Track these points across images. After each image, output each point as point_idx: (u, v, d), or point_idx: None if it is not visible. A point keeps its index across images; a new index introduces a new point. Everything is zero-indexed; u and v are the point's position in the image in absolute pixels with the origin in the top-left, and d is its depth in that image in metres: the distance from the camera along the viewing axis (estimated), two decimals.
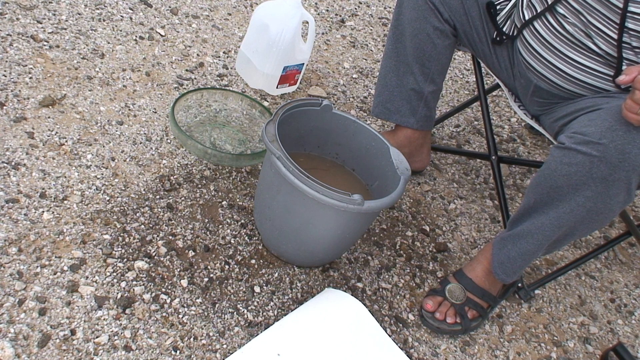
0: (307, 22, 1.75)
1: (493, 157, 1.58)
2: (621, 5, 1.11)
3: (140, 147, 1.48)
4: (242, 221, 1.39)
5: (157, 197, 1.37)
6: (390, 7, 2.47)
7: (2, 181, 1.28)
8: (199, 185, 1.44)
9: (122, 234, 1.27)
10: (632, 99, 1.00)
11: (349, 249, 1.42)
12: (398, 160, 1.29)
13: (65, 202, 1.29)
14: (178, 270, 1.25)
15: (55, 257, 1.19)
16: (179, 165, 1.47)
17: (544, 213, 1.18)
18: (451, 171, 1.77)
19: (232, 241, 1.34)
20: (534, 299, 1.47)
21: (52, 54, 1.63)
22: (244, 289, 1.26)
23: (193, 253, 1.29)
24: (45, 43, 1.66)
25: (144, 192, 1.38)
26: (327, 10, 2.30)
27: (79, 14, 1.80)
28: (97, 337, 1.09)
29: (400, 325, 1.31)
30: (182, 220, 1.35)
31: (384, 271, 1.41)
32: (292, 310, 1.24)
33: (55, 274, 1.16)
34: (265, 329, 1.19)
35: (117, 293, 1.17)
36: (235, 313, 1.21)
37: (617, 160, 1.03)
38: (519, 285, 1.41)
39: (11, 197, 1.26)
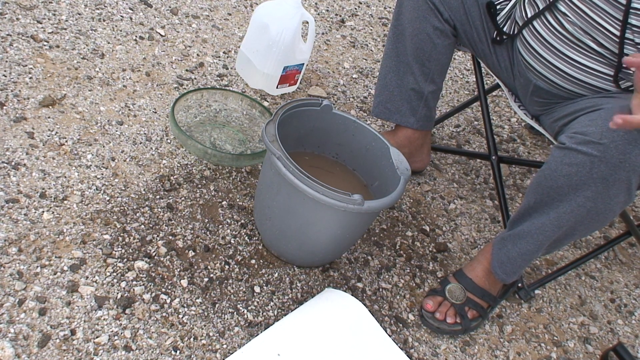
0: (307, 22, 1.75)
1: (493, 157, 1.58)
2: (624, 2, 1.11)
3: (140, 147, 1.48)
4: (242, 221, 1.39)
5: (157, 197, 1.37)
6: (390, 7, 2.47)
7: (2, 181, 1.28)
8: (199, 185, 1.44)
9: (122, 234, 1.27)
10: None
11: (349, 249, 1.42)
12: (398, 160, 1.29)
13: (65, 202, 1.29)
14: (178, 270, 1.25)
15: (55, 257, 1.19)
16: (179, 165, 1.47)
17: (544, 213, 1.18)
18: (451, 171, 1.77)
19: (232, 241, 1.34)
20: (534, 299, 1.47)
21: (52, 54, 1.63)
22: (244, 289, 1.26)
23: (193, 253, 1.29)
24: (45, 43, 1.66)
25: (144, 192, 1.38)
26: (327, 10, 2.30)
27: (79, 14, 1.80)
28: (97, 337, 1.09)
29: (400, 325, 1.31)
30: (182, 220, 1.35)
31: (384, 271, 1.41)
32: (292, 310, 1.24)
33: (55, 274, 1.16)
34: (265, 329, 1.19)
35: (117, 293, 1.17)
36: (235, 313, 1.21)
37: (618, 160, 1.03)
38: (519, 285, 1.41)
39: (11, 197, 1.26)
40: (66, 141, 1.42)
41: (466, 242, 1.56)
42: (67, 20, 1.76)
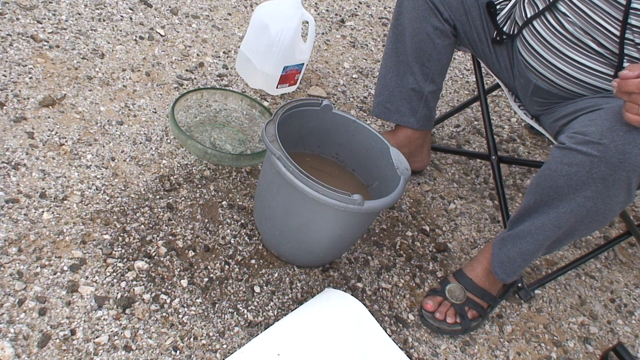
0: (307, 22, 1.75)
1: (493, 157, 1.58)
2: (624, 2, 1.11)
3: (140, 147, 1.48)
4: (242, 221, 1.39)
5: (157, 197, 1.37)
6: (390, 7, 2.47)
7: (2, 181, 1.28)
8: (199, 185, 1.44)
9: (122, 234, 1.27)
10: (632, 100, 1.00)
11: (349, 249, 1.42)
12: (398, 160, 1.29)
13: (65, 202, 1.29)
14: (178, 270, 1.25)
15: (55, 257, 1.19)
16: (179, 165, 1.47)
17: (544, 213, 1.18)
18: (451, 171, 1.77)
19: (232, 241, 1.34)
20: (534, 299, 1.47)
21: (52, 54, 1.63)
22: (244, 289, 1.26)
23: (193, 253, 1.29)
24: (45, 43, 1.66)
25: (144, 192, 1.38)
26: (327, 10, 2.30)
27: (79, 14, 1.80)
28: (97, 337, 1.09)
29: (400, 325, 1.31)
30: (182, 220, 1.35)
31: (384, 271, 1.41)
32: (292, 310, 1.24)
33: (55, 274, 1.16)
34: (265, 329, 1.19)
35: (117, 293, 1.17)
36: (235, 313, 1.21)
37: (618, 160, 1.03)
38: (519, 285, 1.41)
39: (11, 197, 1.26)
40: (66, 141, 1.42)
41: (466, 242, 1.56)
42: (67, 20, 1.76)
